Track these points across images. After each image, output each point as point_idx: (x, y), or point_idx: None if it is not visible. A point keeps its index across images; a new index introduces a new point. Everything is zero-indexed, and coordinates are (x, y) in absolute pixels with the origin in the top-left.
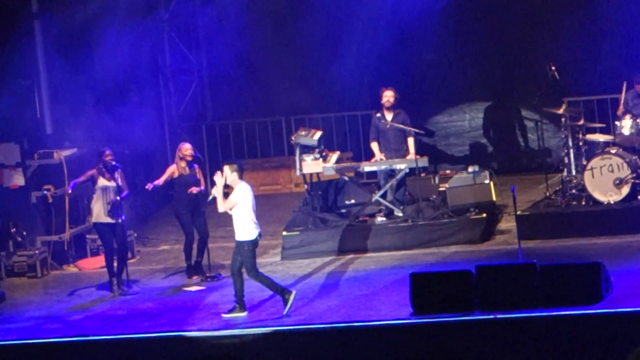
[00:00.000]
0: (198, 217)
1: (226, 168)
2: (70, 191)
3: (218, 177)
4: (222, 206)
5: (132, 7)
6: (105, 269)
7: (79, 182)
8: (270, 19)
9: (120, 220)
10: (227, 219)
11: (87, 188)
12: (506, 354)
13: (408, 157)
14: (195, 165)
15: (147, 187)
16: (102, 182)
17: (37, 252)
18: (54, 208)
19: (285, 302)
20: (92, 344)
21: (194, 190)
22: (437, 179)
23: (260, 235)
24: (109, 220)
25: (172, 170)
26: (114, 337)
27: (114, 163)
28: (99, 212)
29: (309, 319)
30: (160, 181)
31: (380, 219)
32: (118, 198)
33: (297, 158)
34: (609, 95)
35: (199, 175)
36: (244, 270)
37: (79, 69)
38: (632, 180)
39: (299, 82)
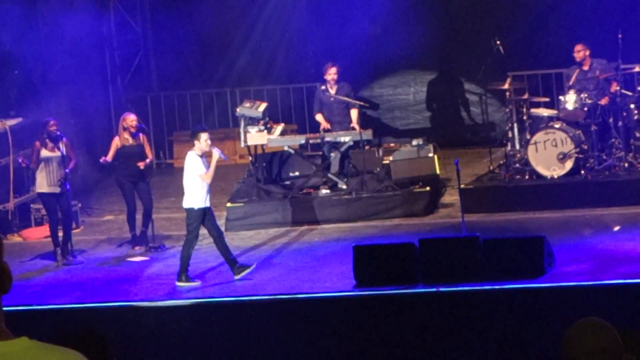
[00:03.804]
0: (142, 187)
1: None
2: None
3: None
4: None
5: None
6: (49, 239)
7: (33, 159)
8: None
9: (65, 191)
10: (171, 190)
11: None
12: (448, 327)
13: (352, 129)
14: (140, 135)
15: (101, 160)
16: (44, 152)
17: None
18: None
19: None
20: (35, 313)
21: (141, 165)
22: (381, 151)
23: None
24: (53, 190)
25: (116, 142)
26: (57, 306)
27: (58, 133)
28: (41, 182)
29: (252, 291)
30: (109, 157)
31: (324, 191)
32: (66, 170)
33: (241, 130)
34: (553, 69)
35: (145, 145)
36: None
37: (21, 40)
38: (576, 155)
39: (245, 53)
